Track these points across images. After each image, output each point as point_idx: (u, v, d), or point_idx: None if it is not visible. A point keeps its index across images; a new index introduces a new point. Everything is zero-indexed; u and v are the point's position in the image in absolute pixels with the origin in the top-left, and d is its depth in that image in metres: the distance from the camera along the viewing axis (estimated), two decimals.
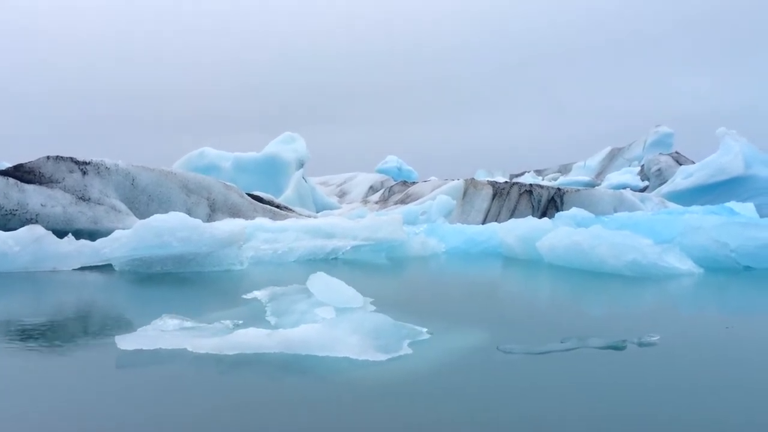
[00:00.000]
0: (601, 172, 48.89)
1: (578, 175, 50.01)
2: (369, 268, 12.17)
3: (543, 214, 20.47)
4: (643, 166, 40.20)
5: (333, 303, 5.88)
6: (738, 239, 10.60)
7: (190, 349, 4.87)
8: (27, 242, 10.62)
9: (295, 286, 7.05)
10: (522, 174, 55.46)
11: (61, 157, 14.79)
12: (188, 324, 5.50)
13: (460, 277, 11.60)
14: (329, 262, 12.52)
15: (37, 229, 10.85)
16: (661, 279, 9.49)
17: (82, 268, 10.89)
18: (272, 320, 5.93)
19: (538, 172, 56.16)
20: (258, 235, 12.85)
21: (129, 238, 10.37)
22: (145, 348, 4.94)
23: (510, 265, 12.83)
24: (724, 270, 10.49)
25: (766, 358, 5.11)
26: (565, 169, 54.54)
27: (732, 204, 16.34)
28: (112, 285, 9.72)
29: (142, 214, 14.59)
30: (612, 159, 50.14)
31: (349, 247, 13.09)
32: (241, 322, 5.74)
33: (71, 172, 14.56)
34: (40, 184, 14.01)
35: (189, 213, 14.34)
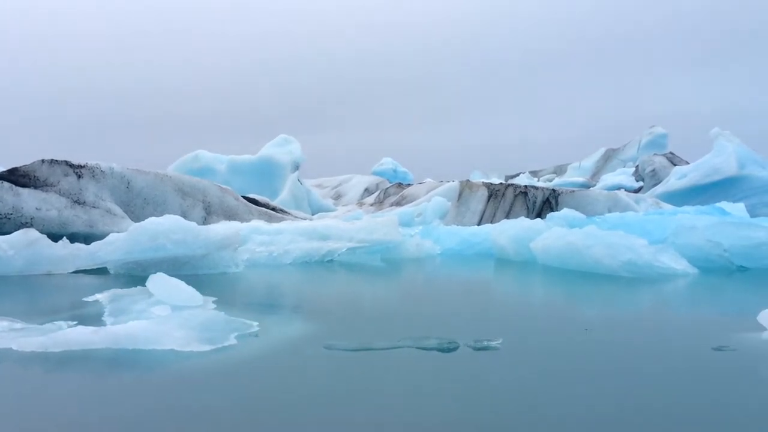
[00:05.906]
0: (596, 173, 49.03)
1: (573, 176, 50.14)
2: (360, 269, 12.21)
3: (538, 215, 20.49)
4: (637, 166, 40.31)
5: (172, 302, 6.02)
6: (731, 239, 10.64)
7: (15, 348, 4.90)
8: (21, 246, 10.61)
9: (139, 287, 7.13)
10: (517, 175, 55.53)
11: (56, 160, 14.78)
12: (18, 325, 5.55)
13: (408, 278, 11.31)
14: (325, 264, 12.56)
15: (32, 233, 10.83)
16: (655, 279, 9.37)
17: (78, 272, 10.87)
18: (109, 320, 5.92)
19: (534, 173, 56.22)
20: (253, 238, 12.87)
21: (124, 241, 10.37)
22: None
23: (492, 266, 12.73)
24: (718, 270, 10.53)
25: (596, 363, 4.70)
26: (560, 170, 54.63)
27: (723, 204, 16.40)
28: (99, 288, 9.60)
29: (137, 218, 14.58)
30: (607, 160, 50.28)
31: (344, 249, 13.12)
32: (75, 322, 5.68)
33: (66, 175, 14.54)
34: (35, 187, 14.00)
35: (184, 216, 14.34)
